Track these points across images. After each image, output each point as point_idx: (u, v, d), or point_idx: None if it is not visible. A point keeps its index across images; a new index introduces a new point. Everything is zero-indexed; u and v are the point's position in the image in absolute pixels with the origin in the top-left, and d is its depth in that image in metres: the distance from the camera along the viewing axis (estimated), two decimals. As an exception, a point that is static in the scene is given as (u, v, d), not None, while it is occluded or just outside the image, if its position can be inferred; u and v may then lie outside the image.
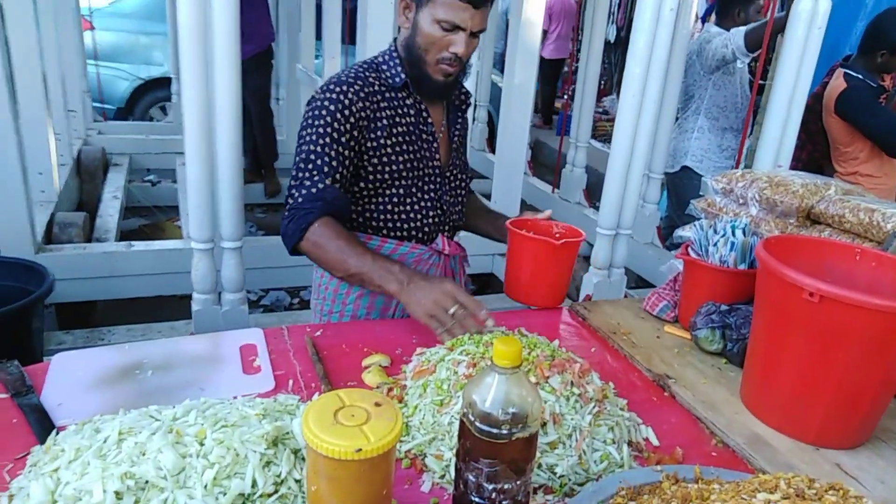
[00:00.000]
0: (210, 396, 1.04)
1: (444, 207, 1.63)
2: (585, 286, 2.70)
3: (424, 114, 1.55)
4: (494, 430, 0.77)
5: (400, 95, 1.52)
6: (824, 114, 3.01)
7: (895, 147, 2.91)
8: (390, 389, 1.14)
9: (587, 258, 2.76)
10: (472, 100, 1.72)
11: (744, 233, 1.43)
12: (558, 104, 8.61)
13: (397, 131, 1.51)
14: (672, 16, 2.33)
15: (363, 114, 1.45)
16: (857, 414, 1.08)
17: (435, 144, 1.58)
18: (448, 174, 1.64)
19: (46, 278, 2.33)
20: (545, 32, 7.64)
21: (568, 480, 0.95)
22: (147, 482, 0.79)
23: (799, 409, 1.11)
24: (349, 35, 4.50)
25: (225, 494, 0.80)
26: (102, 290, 3.15)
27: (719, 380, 1.29)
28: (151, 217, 4.80)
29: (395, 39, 1.55)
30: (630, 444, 1.05)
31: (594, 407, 1.04)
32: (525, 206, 4.26)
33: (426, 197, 1.59)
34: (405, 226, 1.57)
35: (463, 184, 1.71)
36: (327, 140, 1.43)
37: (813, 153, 3.21)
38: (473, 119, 5.58)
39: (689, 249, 1.49)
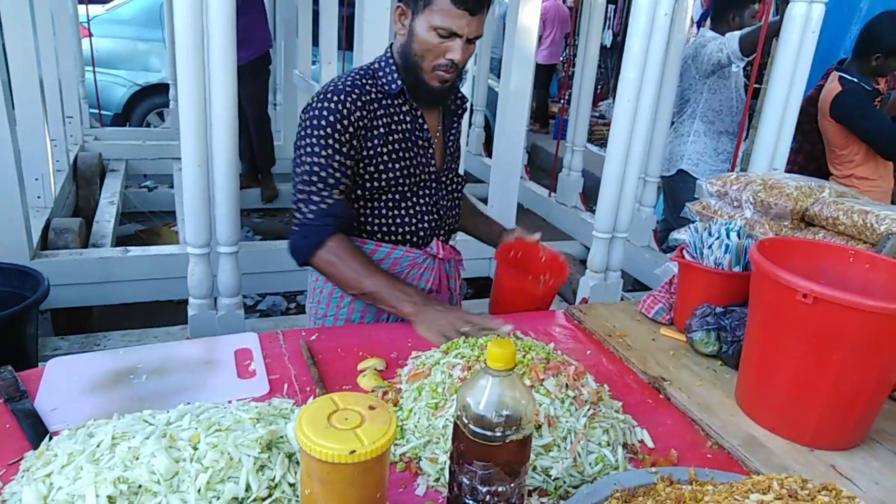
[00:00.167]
0: (205, 401, 1.04)
1: (440, 212, 1.63)
2: (582, 290, 2.70)
3: (420, 120, 1.55)
4: (488, 433, 0.77)
5: (396, 102, 1.52)
6: (819, 117, 3.02)
7: (890, 150, 2.93)
8: (385, 393, 1.14)
9: (583, 262, 2.77)
10: (468, 104, 1.72)
11: (738, 235, 1.43)
12: (554, 108, 8.63)
13: (394, 138, 1.51)
14: (667, 21, 2.34)
15: (361, 122, 1.46)
16: (852, 415, 1.09)
17: (431, 150, 1.58)
18: (444, 179, 1.64)
19: (41, 284, 2.33)
20: (539, 38, 7.69)
21: (563, 483, 0.95)
22: (140, 487, 0.79)
23: (794, 411, 1.11)
24: (346, 41, 4.52)
25: (219, 498, 0.79)
26: (98, 296, 3.14)
27: (714, 382, 1.30)
28: (148, 222, 4.80)
29: (390, 45, 1.54)
30: (625, 446, 1.05)
31: (589, 409, 1.04)
32: (522, 210, 4.26)
33: (421, 202, 1.59)
34: (400, 230, 1.57)
35: (458, 188, 1.71)
36: (329, 151, 1.43)
37: (810, 155, 3.22)
38: (470, 124, 5.59)
39: (684, 252, 1.50)
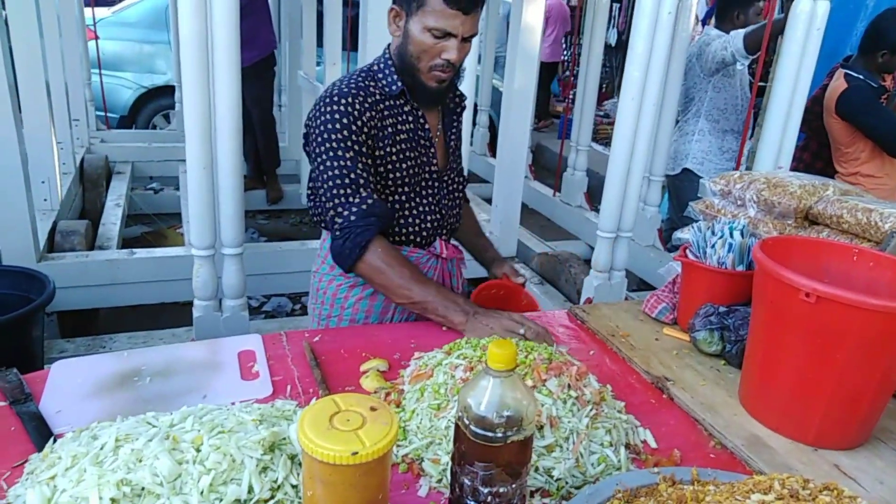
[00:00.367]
0: (208, 402, 1.04)
1: (443, 211, 1.63)
2: (586, 289, 2.70)
3: (421, 120, 1.56)
4: (489, 434, 0.77)
5: (398, 103, 1.52)
6: (825, 114, 3.01)
7: (896, 147, 2.91)
8: (388, 394, 1.14)
9: (588, 261, 2.76)
10: (466, 102, 1.72)
11: (742, 234, 1.43)
12: (560, 108, 8.62)
13: (399, 139, 1.51)
14: (671, 19, 2.34)
15: (372, 123, 1.46)
16: (856, 414, 1.08)
17: (432, 150, 1.58)
18: (446, 178, 1.65)
19: (47, 286, 2.34)
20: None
21: (565, 483, 0.95)
22: (143, 489, 0.79)
23: (797, 410, 1.11)
24: (350, 41, 4.53)
25: (221, 500, 0.80)
26: (104, 298, 3.16)
27: (718, 381, 1.29)
28: (154, 224, 4.82)
29: (388, 46, 1.55)
30: (628, 446, 1.05)
31: (591, 410, 1.04)
32: (526, 209, 4.26)
33: (425, 202, 1.59)
34: (404, 230, 1.57)
35: (460, 187, 1.71)
36: (352, 153, 1.43)
37: (817, 153, 3.21)
38: (475, 123, 5.58)
39: (688, 251, 1.49)
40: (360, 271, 1.45)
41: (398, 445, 1.00)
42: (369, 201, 1.43)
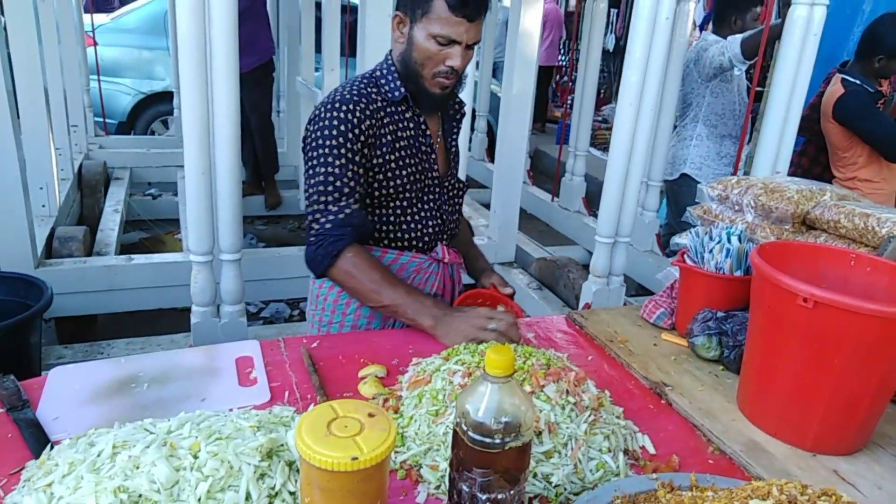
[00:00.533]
0: (206, 409, 1.04)
1: (444, 217, 1.64)
2: (585, 295, 2.70)
3: (423, 126, 1.56)
4: (487, 440, 0.77)
5: (400, 109, 1.52)
6: (822, 119, 3.02)
7: (893, 152, 2.92)
8: (386, 400, 1.14)
9: (586, 267, 2.76)
10: (465, 108, 1.73)
11: (739, 239, 1.43)
12: (558, 113, 8.64)
13: (400, 146, 1.51)
14: (668, 24, 2.35)
15: (370, 131, 1.46)
16: (854, 419, 1.08)
17: (433, 156, 1.59)
18: (446, 183, 1.65)
19: (45, 293, 2.34)
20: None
21: (563, 490, 0.94)
22: (141, 496, 0.79)
23: (796, 416, 1.11)
24: (349, 47, 4.54)
25: (218, 507, 0.80)
26: (102, 304, 3.15)
27: (716, 387, 1.29)
28: (152, 230, 4.82)
29: (390, 52, 1.55)
30: (626, 452, 1.05)
31: (590, 415, 1.03)
32: (524, 215, 4.26)
33: (426, 207, 1.59)
34: (406, 236, 1.57)
35: (460, 192, 1.72)
36: (342, 161, 1.43)
37: (815, 158, 3.22)
38: (473, 129, 5.59)
39: (685, 257, 1.49)
40: (332, 276, 1.46)
41: (396, 451, 1.00)
42: (347, 210, 1.43)
